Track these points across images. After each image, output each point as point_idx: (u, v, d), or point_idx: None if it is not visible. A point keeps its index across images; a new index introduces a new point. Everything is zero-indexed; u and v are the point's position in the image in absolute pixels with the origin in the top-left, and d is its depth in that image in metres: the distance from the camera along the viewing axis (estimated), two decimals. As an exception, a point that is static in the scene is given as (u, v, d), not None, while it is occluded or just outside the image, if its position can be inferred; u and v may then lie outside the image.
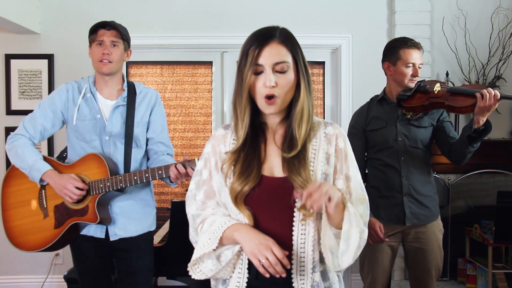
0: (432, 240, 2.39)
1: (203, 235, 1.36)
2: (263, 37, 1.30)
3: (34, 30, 3.50)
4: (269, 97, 1.29)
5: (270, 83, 1.27)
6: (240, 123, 1.34)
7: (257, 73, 1.29)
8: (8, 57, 3.57)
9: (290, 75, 1.30)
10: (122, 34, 2.18)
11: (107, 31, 2.15)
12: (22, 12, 3.31)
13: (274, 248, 1.25)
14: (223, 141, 1.42)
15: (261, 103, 1.31)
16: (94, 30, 2.17)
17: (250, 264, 1.35)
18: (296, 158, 1.31)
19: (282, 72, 1.29)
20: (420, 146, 2.39)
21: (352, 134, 2.49)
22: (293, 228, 1.33)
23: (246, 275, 1.36)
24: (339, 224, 1.28)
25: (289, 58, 1.30)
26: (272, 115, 1.36)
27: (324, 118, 2.51)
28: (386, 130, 2.41)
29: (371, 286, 2.45)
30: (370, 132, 2.45)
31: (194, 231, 1.43)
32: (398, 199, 2.37)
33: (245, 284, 1.36)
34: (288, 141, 1.34)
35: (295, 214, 1.32)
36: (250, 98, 1.32)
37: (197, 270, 1.37)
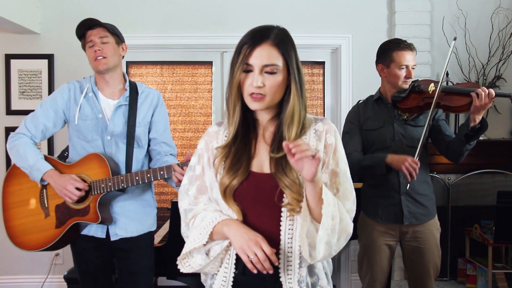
0: (430, 239, 2.40)
1: (194, 230, 1.38)
2: (257, 36, 1.31)
3: (34, 30, 3.50)
4: (254, 95, 1.31)
5: (257, 83, 1.29)
6: (231, 118, 1.36)
7: (247, 71, 1.31)
8: (8, 57, 3.57)
9: (279, 78, 1.31)
10: (109, 29, 2.17)
11: (93, 31, 2.15)
12: (22, 12, 3.31)
13: (263, 244, 1.27)
14: (215, 137, 1.44)
15: (247, 99, 1.33)
16: (83, 34, 2.17)
17: (238, 259, 1.36)
18: (284, 157, 1.31)
19: (271, 73, 1.30)
20: (417, 145, 2.39)
21: (350, 128, 2.49)
22: (281, 223, 1.34)
23: (233, 270, 1.37)
24: (319, 216, 1.27)
25: (279, 61, 1.31)
26: (262, 112, 1.38)
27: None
28: (384, 130, 2.42)
29: (370, 286, 2.45)
30: (367, 132, 2.45)
31: (186, 225, 1.45)
32: (396, 198, 2.38)
33: (231, 279, 1.37)
34: (278, 142, 1.35)
35: (282, 209, 1.34)
36: (240, 94, 1.34)
37: (186, 264, 1.39)
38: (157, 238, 2.74)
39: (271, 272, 1.27)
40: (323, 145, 1.38)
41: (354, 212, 1.39)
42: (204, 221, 1.36)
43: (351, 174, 1.40)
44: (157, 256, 2.41)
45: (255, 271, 1.27)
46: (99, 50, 2.12)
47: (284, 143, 1.19)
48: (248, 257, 1.26)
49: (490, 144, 3.56)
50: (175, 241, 2.53)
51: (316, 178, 1.22)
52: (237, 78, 1.31)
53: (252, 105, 1.32)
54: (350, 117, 2.54)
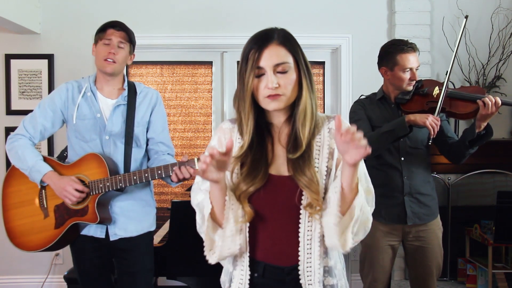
0: (433, 239, 2.40)
1: (204, 209, 1.35)
2: (262, 39, 1.31)
3: (34, 30, 3.50)
4: (271, 96, 1.30)
5: (273, 85, 1.28)
6: (244, 127, 1.34)
7: (259, 75, 1.30)
8: (8, 57, 3.57)
9: (292, 75, 1.31)
10: (130, 37, 2.19)
11: (116, 31, 2.15)
12: (22, 12, 3.31)
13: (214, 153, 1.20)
14: (229, 134, 1.42)
15: (264, 102, 1.31)
16: (103, 29, 2.17)
17: (252, 261, 1.36)
18: (301, 157, 1.31)
19: (284, 72, 1.30)
20: (420, 146, 2.40)
21: (359, 116, 2.47)
22: (300, 225, 1.33)
23: (248, 272, 1.36)
24: (344, 210, 1.27)
25: (289, 59, 1.31)
26: (276, 114, 1.36)
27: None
28: None
29: (371, 286, 2.45)
30: (372, 127, 2.44)
31: (202, 218, 1.39)
32: (399, 198, 2.38)
33: (247, 281, 1.36)
34: (293, 141, 1.34)
35: (301, 211, 1.33)
36: (253, 101, 1.33)
37: (211, 253, 1.35)
38: (157, 238, 2.74)
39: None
40: None
41: (373, 208, 1.39)
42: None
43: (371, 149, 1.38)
44: (157, 256, 2.41)
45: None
46: (114, 54, 2.13)
47: (336, 118, 1.18)
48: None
49: (490, 144, 3.52)
50: (175, 241, 2.53)
51: (356, 168, 1.22)
52: (250, 85, 1.30)
53: (270, 105, 1.31)
54: (356, 108, 2.52)
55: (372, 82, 2.82)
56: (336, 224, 1.27)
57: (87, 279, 2.25)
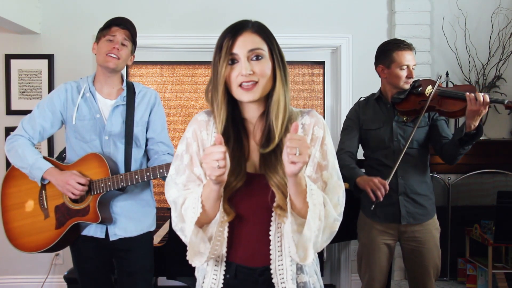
0: (429, 239, 2.40)
1: (186, 211, 1.29)
2: (236, 28, 1.30)
3: (34, 30, 3.50)
4: (245, 84, 1.26)
5: (246, 71, 1.25)
6: (217, 118, 1.31)
7: (232, 63, 1.28)
8: (8, 57, 3.57)
9: (267, 63, 1.28)
10: (133, 36, 2.20)
11: (120, 29, 2.16)
12: (22, 12, 3.31)
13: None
14: (205, 127, 1.38)
15: (238, 92, 1.28)
16: (108, 26, 2.17)
17: (228, 263, 1.35)
18: (273, 153, 1.28)
19: (258, 59, 1.27)
20: (416, 146, 2.40)
21: (349, 124, 2.51)
22: (271, 223, 1.32)
23: (223, 273, 1.35)
24: (302, 212, 1.23)
25: (264, 46, 1.29)
26: (250, 108, 1.33)
27: (324, 118, 2.51)
28: (383, 130, 2.42)
29: (368, 285, 2.46)
30: (366, 131, 2.46)
31: (178, 216, 1.33)
32: (393, 198, 2.38)
33: (221, 282, 1.35)
34: (266, 135, 1.31)
35: (273, 209, 1.31)
36: (227, 92, 1.30)
37: (194, 258, 1.31)
38: (157, 238, 2.74)
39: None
40: (309, 138, 1.34)
41: (343, 206, 1.34)
42: (193, 194, 1.29)
43: None
44: (157, 256, 2.41)
45: None
46: (117, 49, 2.13)
47: (293, 125, 1.14)
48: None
49: (490, 144, 3.56)
50: (175, 241, 2.53)
51: (297, 178, 1.18)
52: (223, 73, 1.26)
53: (244, 96, 1.27)
54: (350, 114, 2.56)
55: (372, 82, 2.82)
56: (292, 231, 1.25)
57: (87, 279, 2.25)
